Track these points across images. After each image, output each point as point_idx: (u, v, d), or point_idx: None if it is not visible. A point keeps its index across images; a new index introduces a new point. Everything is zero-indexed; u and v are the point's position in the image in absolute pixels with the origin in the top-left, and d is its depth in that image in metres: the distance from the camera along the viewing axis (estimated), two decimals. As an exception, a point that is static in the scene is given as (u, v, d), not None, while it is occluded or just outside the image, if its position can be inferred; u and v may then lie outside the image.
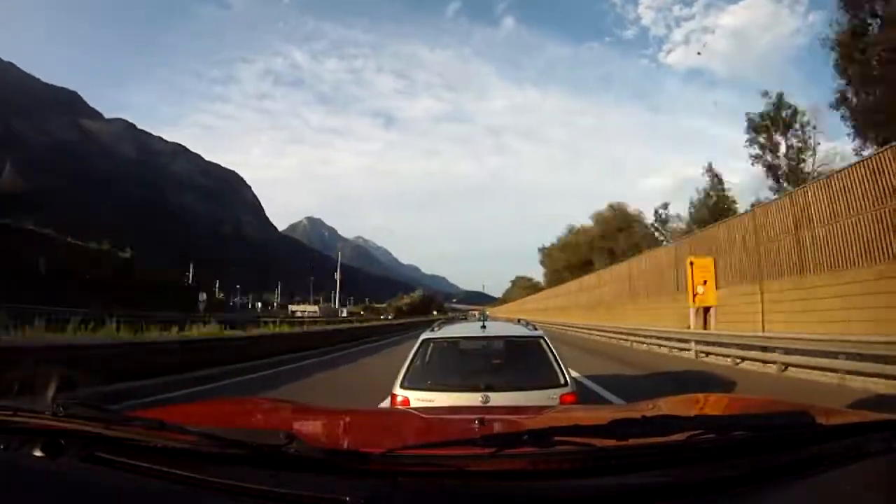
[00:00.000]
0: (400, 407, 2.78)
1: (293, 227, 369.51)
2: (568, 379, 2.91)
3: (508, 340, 3.42)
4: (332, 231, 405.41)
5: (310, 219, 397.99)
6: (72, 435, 0.96)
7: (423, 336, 3.36)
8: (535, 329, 3.45)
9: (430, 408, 2.53)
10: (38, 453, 0.93)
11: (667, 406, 1.58)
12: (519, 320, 4.39)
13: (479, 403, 2.55)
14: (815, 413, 1.06)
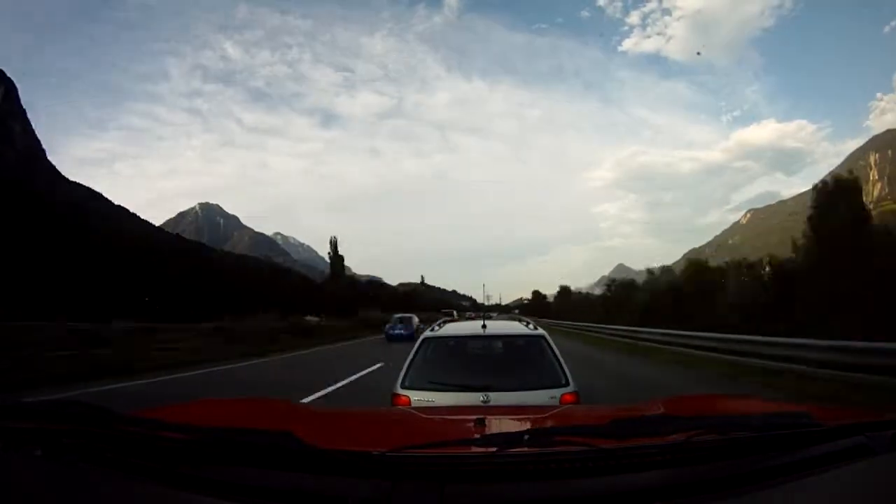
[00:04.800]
0: (400, 407, 2.78)
1: (182, 215, 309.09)
2: (569, 379, 2.90)
3: (509, 340, 3.42)
4: (234, 219, 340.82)
5: (203, 205, 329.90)
6: (72, 435, 0.96)
7: (424, 335, 3.36)
8: (537, 328, 3.45)
9: (430, 407, 2.53)
10: (38, 453, 0.93)
11: (667, 406, 1.58)
12: (520, 319, 4.40)
13: (479, 403, 2.55)
14: (815, 413, 1.06)
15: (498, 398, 2.61)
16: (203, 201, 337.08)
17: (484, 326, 3.37)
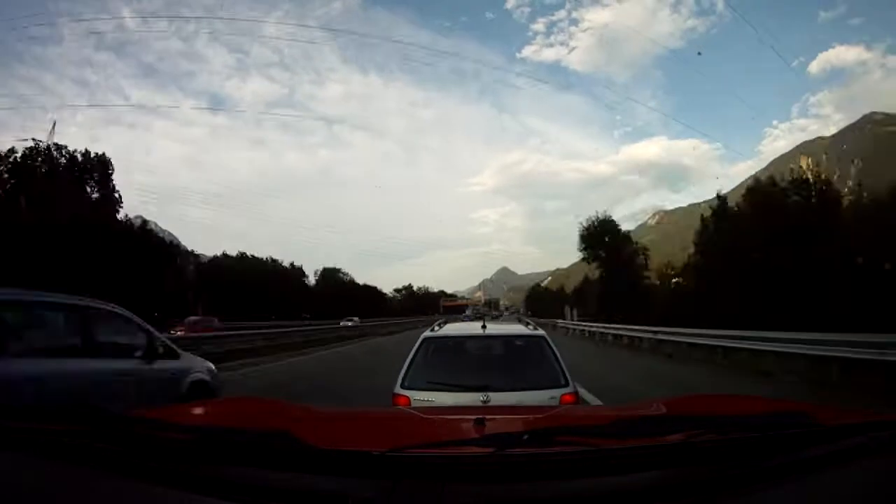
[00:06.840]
0: (400, 407, 2.78)
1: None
2: (569, 379, 2.90)
3: (509, 340, 3.42)
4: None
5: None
6: (72, 435, 0.96)
7: (424, 335, 3.36)
8: (537, 329, 3.44)
9: (430, 407, 2.52)
10: (38, 454, 0.93)
11: (667, 406, 1.58)
12: (520, 319, 4.40)
13: (479, 403, 2.55)
14: (815, 413, 1.06)
15: (498, 398, 2.60)
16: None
17: (484, 327, 3.37)
